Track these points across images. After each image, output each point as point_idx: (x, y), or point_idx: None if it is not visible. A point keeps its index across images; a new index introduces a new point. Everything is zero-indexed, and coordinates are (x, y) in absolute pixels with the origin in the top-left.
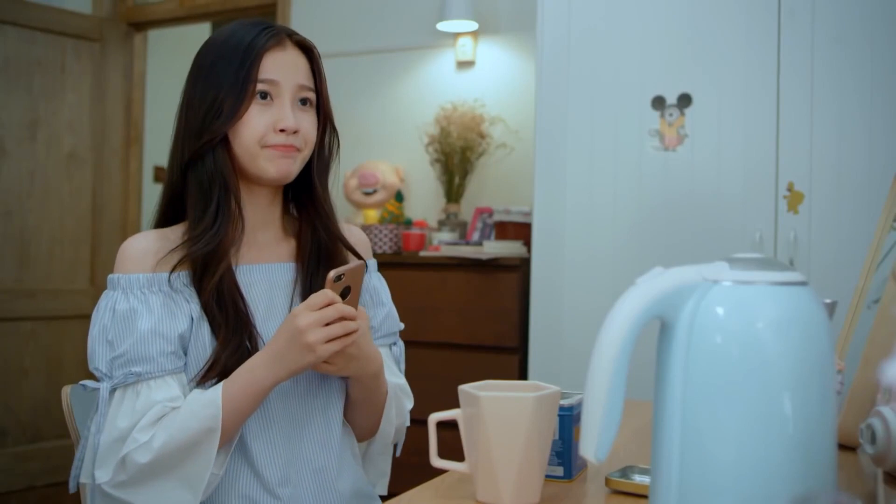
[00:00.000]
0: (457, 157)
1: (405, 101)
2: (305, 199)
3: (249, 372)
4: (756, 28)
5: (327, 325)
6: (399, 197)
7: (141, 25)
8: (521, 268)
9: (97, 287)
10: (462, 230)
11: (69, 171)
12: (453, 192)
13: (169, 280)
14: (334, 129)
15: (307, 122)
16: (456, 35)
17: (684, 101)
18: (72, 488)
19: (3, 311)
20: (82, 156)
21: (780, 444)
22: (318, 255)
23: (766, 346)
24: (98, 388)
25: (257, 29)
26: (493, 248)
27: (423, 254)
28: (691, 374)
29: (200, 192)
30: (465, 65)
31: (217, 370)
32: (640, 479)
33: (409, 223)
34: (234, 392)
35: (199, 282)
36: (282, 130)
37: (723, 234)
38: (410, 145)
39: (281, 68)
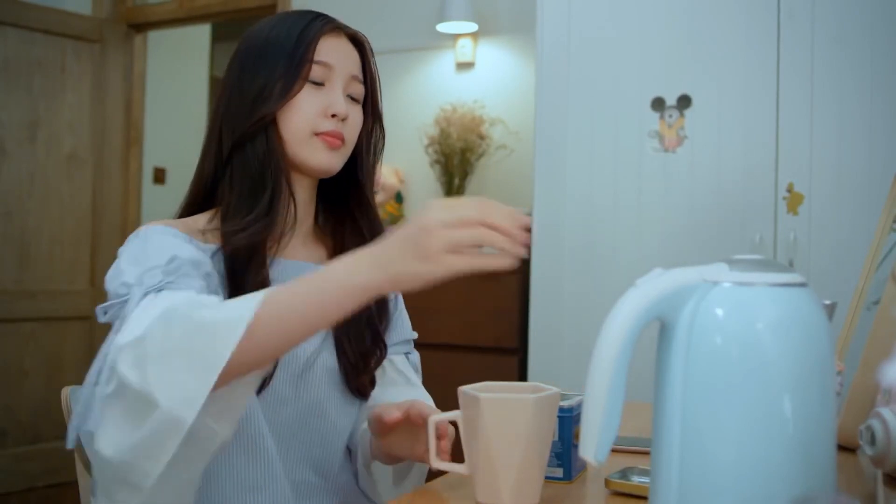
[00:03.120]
0: (456, 158)
1: (405, 102)
2: (346, 199)
3: (326, 270)
4: (756, 29)
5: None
6: (399, 198)
7: (141, 26)
8: (520, 269)
9: (97, 288)
10: None
11: (69, 171)
12: (453, 194)
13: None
14: (382, 128)
15: (355, 115)
16: (456, 36)
17: (684, 102)
18: (69, 443)
19: (2, 312)
20: (82, 157)
21: (780, 445)
22: None
23: (766, 348)
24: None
25: (310, 16)
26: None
27: None
28: (691, 375)
29: (248, 177)
30: (464, 66)
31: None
32: (639, 480)
33: None
34: (293, 288)
35: (238, 275)
36: (333, 116)
37: (723, 236)
38: (410, 146)
39: (336, 53)
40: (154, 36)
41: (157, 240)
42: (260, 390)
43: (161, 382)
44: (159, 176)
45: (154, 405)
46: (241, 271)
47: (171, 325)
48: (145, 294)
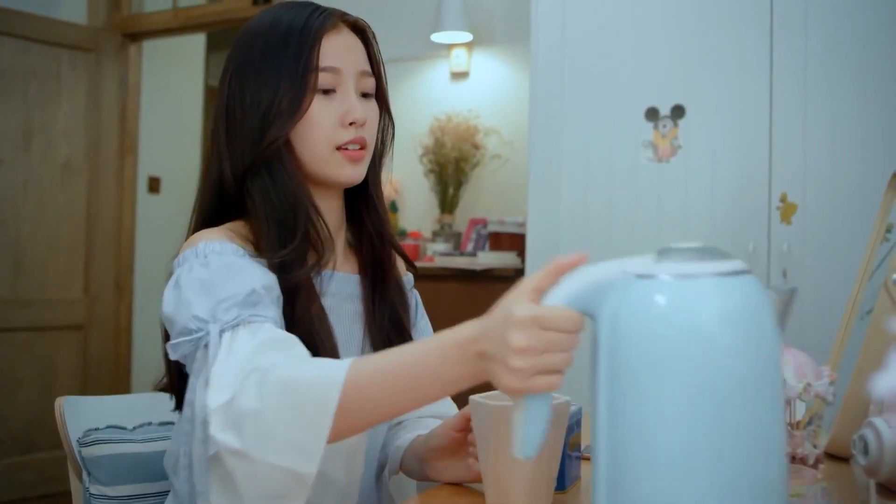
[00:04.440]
0: (451, 167)
1: (399, 111)
2: (356, 197)
3: (403, 355)
4: (749, 39)
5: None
6: (393, 207)
7: (136, 36)
8: (515, 279)
9: (91, 297)
10: (456, 241)
11: (64, 180)
12: (447, 203)
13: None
14: (391, 118)
15: (372, 113)
16: (450, 46)
17: (678, 112)
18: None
19: None
20: (77, 165)
21: (714, 439)
22: (374, 264)
23: (679, 344)
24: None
25: (307, 10)
26: (488, 259)
27: (417, 265)
28: (616, 371)
29: (272, 208)
30: (459, 76)
31: None
32: None
33: (403, 234)
34: (370, 370)
35: (289, 307)
36: (351, 123)
37: (716, 245)
38: (405, 156)
39: (341, 53)
40: (149, 45)
41: (223, 262)
42: None
43: (269, 444)
44: (154, 185)
45: (272, 468)
46: (290, 301)
47: (265, 388)
48: (221, 332)
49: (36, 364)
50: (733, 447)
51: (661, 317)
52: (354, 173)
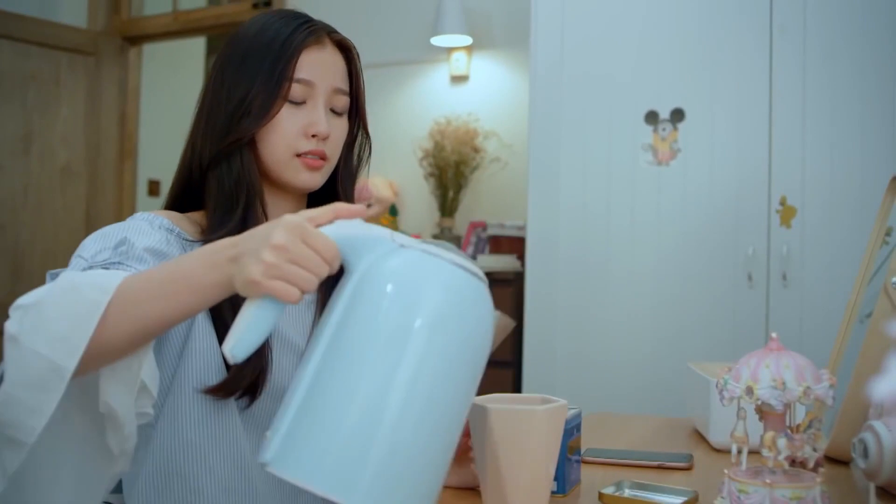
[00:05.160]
0: (451, 171)
1: (399, 115)
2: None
3: (171, 265)
4: (748, 44)
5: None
6: (393, 211)
7: (135, 39)
8: (515, 282)
9: None
10: (456, 244)
11: (63, 184)
12: (447, 207)
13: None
14: (367, 135)
15: (338, 130)
16: (450, 50)
17: (677, 115)
18: None
19: None
20: (76, 169)
21: (404, 405)
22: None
23: (418, 321)
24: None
25: (295, 23)
26: (488, 263)
27: None
28: (347, 317)
29: (223, 195)
30: (459, 79)
31: (232, 390)
32: (632, 493)
33: None
34: (142, 279)
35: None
36: (314, 136)
37: (716, 249)
38: (404, 159)
39: (317, 68)
40: (149, 49)
41: (131, 225)
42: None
43: (39, 332)
44: (154, 188)
45: (35, 355)
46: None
47: (55, 286)
48: (88, 268)
49: None
50: (420, 411)
51: (396, 279)
52: (311, 180)
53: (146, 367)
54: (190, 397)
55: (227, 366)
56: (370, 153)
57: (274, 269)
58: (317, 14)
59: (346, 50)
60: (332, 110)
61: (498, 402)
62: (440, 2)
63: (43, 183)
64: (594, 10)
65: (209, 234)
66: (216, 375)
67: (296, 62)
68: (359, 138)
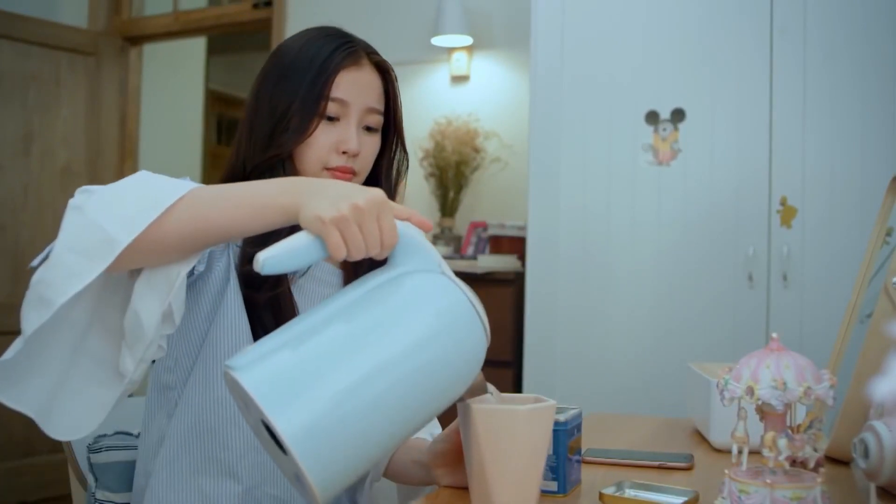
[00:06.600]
0: (451, 171)
1: None
2: None
3: (247, 183)
4: (749, 44)
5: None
6: None
7: (136, 39)
8: (515, 282)
9: None
10: (457, 244)
11: (63, 185)
12: (448, 207)
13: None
14: (405, 151)
15: (369, 147)
16: (450, 50)
17: (678, 116)
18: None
19: None
20: (77, 170)
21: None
22: (356, 269)
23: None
24: None
25: (335, 43)
26: (488, 263)
27: None
28: (370, 298)
29: None
30: (459, 79)
31: None
32: (633, 493)
33: None
34: (214, 189)
35: (255, 282)
36: (344, 153)
37: (716, 249)
38: None
39: (353, 88)
40: (149, 49)
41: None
42: None
43: (105, 208)
44: None
45: (95, 226)
46: (257, 287)
47: (129, 178)
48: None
49: None
50: (382, 391)
51: (424, 292)
52: None
53: (178, 290)
54: (220, 358)
55: (254, 333)
56: (408, 167)
57: (342, 221)
58: (318, 14)
59: (384, 71)
60: (366, 127)
61: (490, 401)
62: (440, 2)
63: (43, 183)
64: (595, 10)
65: (245, 242)
66: (245, 342)
67: (333, 80)
68: (397, 154)
